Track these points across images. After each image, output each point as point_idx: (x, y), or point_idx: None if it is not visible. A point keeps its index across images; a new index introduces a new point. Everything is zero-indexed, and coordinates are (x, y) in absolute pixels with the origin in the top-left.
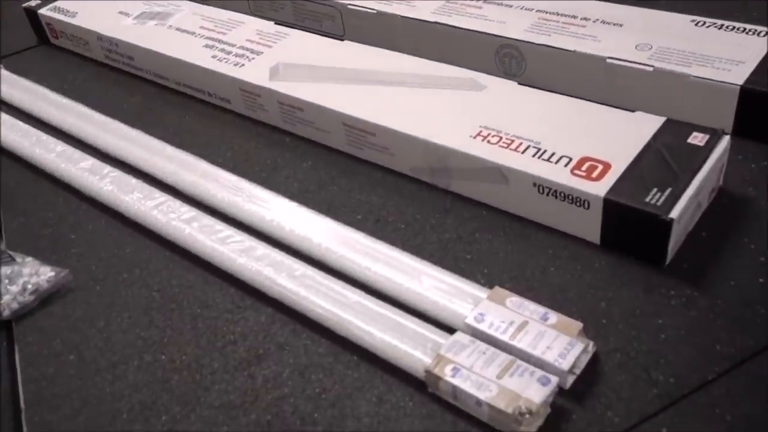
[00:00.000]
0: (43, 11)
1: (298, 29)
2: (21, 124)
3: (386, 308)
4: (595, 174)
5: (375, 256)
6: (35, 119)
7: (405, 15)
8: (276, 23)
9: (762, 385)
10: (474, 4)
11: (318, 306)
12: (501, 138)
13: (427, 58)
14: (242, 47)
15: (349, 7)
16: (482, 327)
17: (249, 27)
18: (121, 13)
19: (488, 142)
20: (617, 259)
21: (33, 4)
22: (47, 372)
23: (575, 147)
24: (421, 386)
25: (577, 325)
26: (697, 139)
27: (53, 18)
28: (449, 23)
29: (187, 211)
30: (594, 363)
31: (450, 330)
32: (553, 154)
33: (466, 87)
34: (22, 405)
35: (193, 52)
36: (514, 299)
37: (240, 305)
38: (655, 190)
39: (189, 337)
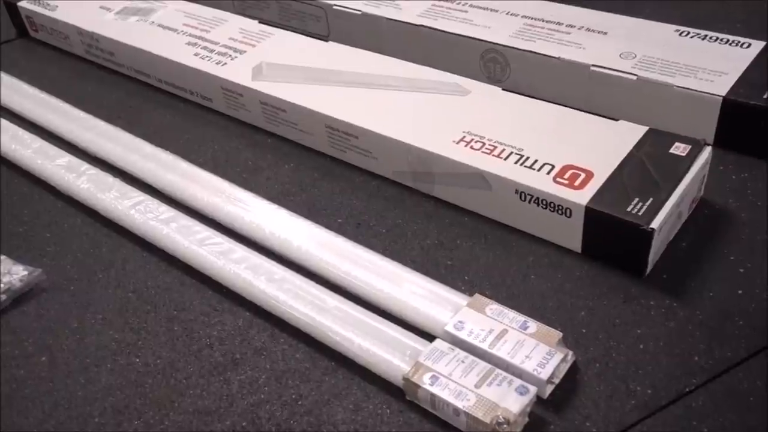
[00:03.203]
0: (22, 4)
1: (283, 29)
2: None
3: (365, 314)
4: (577, 182)
5: (355, 260)
6: (13, 114)
7: (390, 17)
8: (260, 22)
9: (739, 398)
10: (460, 8)
11: (296, 310)
12: (484, 144)
13: (412, 61)
14: (225, 45)
15: (335, 7)
16: (462, 335)
17: (233, 25)
18: (102, 7)
19: (471, 147)
20: (598, 268)
21: None
22: (18, 374)
23: (558, 154)
24: (400, 394)
25: (557, 334)
26: (679, 149)
27: (33, 11)
28: (434, 27)
29: (166, 211)
30: (573, 372)
31: (430, 337)
32: (535, 161)
33: (450, 91)
34: None
35: (176, 50)
36: (494, 307)
37: (217, 308)
38: (636, 199)
39: (164, 340)
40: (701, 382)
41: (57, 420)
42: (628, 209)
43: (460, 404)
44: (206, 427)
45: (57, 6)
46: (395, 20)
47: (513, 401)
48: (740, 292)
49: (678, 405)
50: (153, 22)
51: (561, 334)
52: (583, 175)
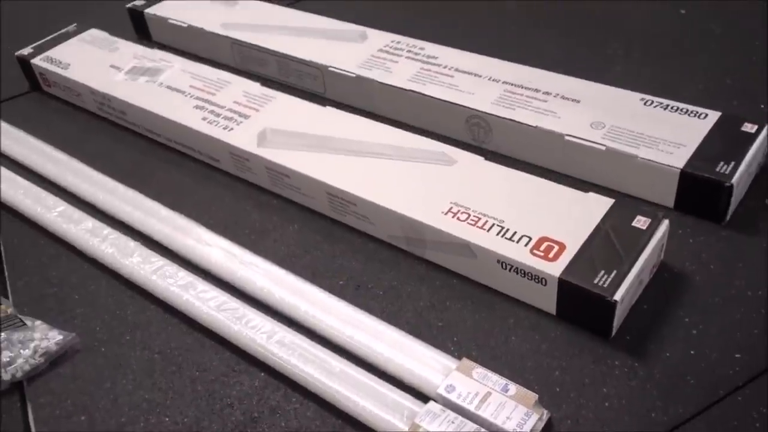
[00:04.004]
0: (35, 61)
1: (282, 85)
2: (20, 179)
3: (367, 377)
4: (551, 254)
5: (357, 325)
6: (32, 172)
7: (382, 81)
8: (262, 83)
9: None
10: (446, 72)
11: (307, 374)
12: (469, 215)
13: (404, 120)
14: (231, 110)
15: (330, 69)
16: (452, 397)
17: (236, 88)
18: (112, 66)
19: (458, 219)
20: (571, 330)
21: (26, 52)
22: None
23: (535, 227)
24: None
25: (533, 396)
26: (640, 222)
27: (46, 69)
28: (423, 92)
29: (184, 276)
30: (548, 429)
31: (424, 397)
32: (515, 233)
33: (437, 161)
34: None
35: (185, 113)
36: (479, 370)
37: (235, 369)
38: (602, 272)
39: (189, 400)
40: None
41: None
42: (595, 281)
43: None
44: None
45: (69, 64)
46: (386, 84)
47: None
48: (692, 352)
49: None
50: (161, 83)
51: (537, 396)
52: (556, 248)
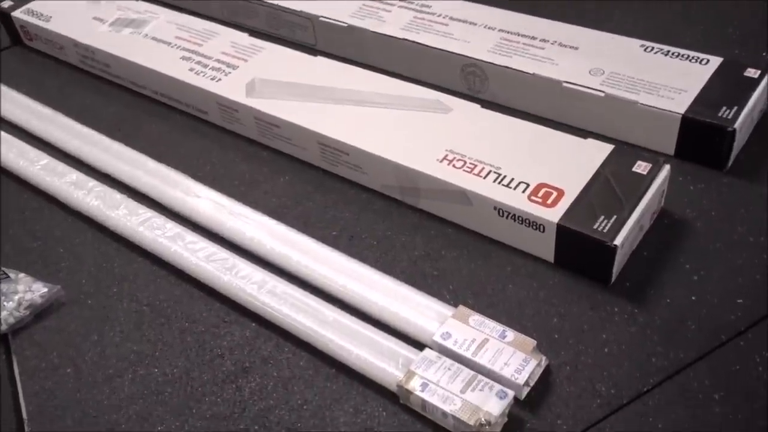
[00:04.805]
0: (16, 14)
1: (272, 37)
2: (3, 133)
3: (362, 325)
4: (549, 200)
5: (350, 274)
6: (16, 127)
7: (375, 30)
8: (250, 34)
9: (690, 396)
10: (441, 20)
11: (299, 323)
12: (465, 162)
13: (397, 70)
14: (218, 60)
15: (321, 19)
16: (448, 344)
17: (224, 38)
18: (96, 18)
19: (453, 166)
20: (569, 277)
21: (6, 5)
22: (47, 385)
23: (532, 173)
24: (394, 397)
25: (531, 342)
26: (641, 167)
27: (27, 21)
28: (417, 41)
29: (172, 227)
30: (546, 375)
31: (420, 345)
32: (512, 179)
33: (432, 109)
34: (25, 417)
35: (171, 64)
36: (476, 317)
37: (225, 320)
38: (602, 217)
39: (179, 351)
40: (657, 382)
41: (86, 427)
42: (595, 226)
43: (447, 408)
44: (222, 431)
45: (51, 16)
46: (380, 33)
47: (494, 404)
48: (693, 298)
49: (637, 403)
50: (146, 34)
51: (535, 342)
52: (555, 194)
